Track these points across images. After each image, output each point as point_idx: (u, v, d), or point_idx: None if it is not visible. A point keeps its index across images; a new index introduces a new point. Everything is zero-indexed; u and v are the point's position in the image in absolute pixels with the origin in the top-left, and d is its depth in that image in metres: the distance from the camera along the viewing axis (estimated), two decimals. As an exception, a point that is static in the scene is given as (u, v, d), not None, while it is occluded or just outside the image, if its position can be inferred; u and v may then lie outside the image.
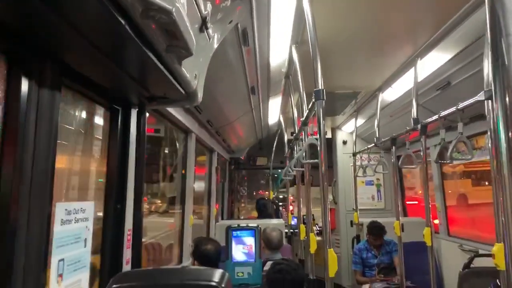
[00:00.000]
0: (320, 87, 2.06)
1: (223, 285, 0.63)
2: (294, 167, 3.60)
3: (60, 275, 1.43)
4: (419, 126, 3.30)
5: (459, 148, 3.97)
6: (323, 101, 2.06)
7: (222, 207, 7.06)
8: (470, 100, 2.50)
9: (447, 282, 4.83)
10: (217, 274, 0.65)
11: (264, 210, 7.79)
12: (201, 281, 0.64)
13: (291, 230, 6.23)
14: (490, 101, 2.37)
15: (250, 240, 1.79)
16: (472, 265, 3.49)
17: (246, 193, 10.87)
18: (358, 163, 6.07)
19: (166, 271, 0.73)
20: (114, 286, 0.68)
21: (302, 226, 3.63)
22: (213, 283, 0.63)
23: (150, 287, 0.66)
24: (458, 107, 2.64)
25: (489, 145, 2.52)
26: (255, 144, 7.89)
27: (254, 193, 11.61)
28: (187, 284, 0.65)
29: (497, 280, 2.47)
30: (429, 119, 3.14)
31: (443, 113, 2.88)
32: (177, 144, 4.16)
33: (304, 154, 2.94)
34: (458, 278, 3.40)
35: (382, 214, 6.22)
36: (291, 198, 6.78)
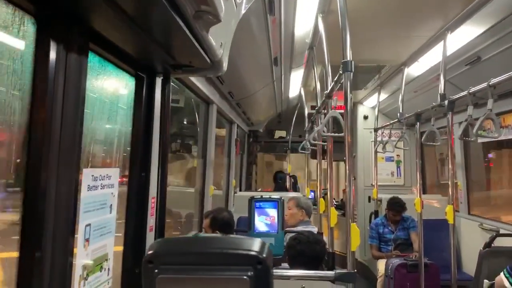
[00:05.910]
0: (348, 58, 2.00)
1: (264, 255, 0.62)
2: (314, 140, 3.56)
3: (87, 240, 1.45)
4: (446, 102, 3.21)
5: (485, 126, 3.87)
6: (351, 73, 2.01)
7: (240, 179, 7.10)
8: (504, 75, 2.41)
9: (464, 260, 4.81)
10: (258, 243, 0.64)
11: (281, 182, 7.83)
12: (241, 250, 0.63)
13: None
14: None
15: (272, 212, 1.79)
16: (492, 245, 3.45)
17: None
18: (378, 138, 5.99)
19: (205, 240, 0.73)
20: (152, 251, 0.67)
21: (322, 200, 3.62)
22: (253, 253, 0.62)
23: (191, 254, 0.66)
24: (490, 83, 2.55)
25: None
26: (274, 117, 7.83)
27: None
28: (227, 253, 0.64)
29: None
30: (457, 95, 3.05)
31: (473, 89, 2.80)
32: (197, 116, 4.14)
33: (325, 127, 2.90)
34: (478, 257, 3.37)
35: (400, 190, 6.17)
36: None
